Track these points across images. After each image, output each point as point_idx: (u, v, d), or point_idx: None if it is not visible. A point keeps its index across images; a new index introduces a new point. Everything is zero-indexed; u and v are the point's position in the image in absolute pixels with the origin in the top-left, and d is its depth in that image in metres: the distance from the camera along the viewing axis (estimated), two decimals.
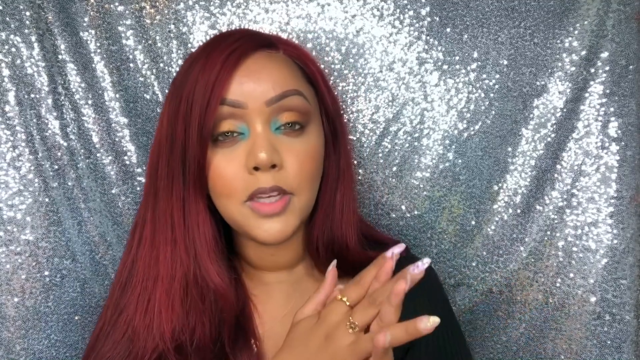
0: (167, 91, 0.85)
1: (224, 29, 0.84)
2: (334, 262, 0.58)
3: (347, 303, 0.52)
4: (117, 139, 0.85)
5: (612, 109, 0.82)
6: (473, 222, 0.86)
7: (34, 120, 0.84)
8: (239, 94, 0.60)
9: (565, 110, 0.83)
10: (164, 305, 0.64)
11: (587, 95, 0.82)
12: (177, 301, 0.64)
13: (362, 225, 0.74)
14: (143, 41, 0.84)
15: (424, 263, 0.49)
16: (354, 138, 0.85)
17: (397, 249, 0.53)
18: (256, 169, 0.60)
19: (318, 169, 0.65)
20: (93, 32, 0.83)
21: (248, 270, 0.71)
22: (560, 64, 0.82)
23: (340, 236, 0.68)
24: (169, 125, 0.64)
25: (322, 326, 0.53)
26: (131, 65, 0.84)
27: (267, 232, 0.61)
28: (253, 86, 0.61)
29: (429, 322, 0.47)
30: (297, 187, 0.62)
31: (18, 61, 0.83)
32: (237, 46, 0.62)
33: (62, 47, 0.83)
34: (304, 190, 0.63)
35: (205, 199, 0.65)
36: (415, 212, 0.86)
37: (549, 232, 0.84)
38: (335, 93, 0.77)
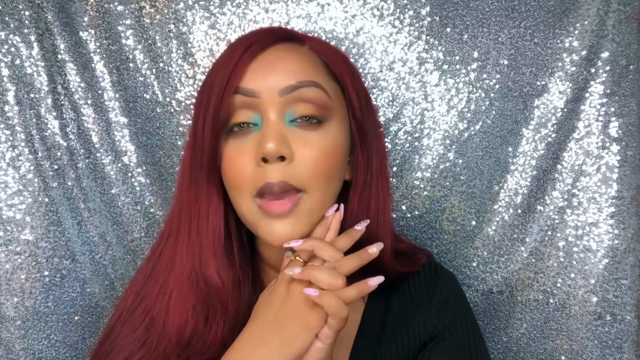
0: (166, 91, 0.85)
1: (224, 29, 0.84)
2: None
3: (301, 260, 0.59)
4: (116, 139, 0.85)
5: (612, 109, 0.82)
6: (473, 222, 0.85)
7: (34, 120, 0.83)
8: (252, 82, 0.59)
9: (565, 110, 0.83)
10: (175, 299, 0.64)
11: (587, 95, 0.82)
12: (187, 295, 0.64)
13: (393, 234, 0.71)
14: (143, 41, 0.84)
15: (362, 223, 0.62)
16: None
17: (333, 209, 0.62)
18: (265, 160, 0.58)
19: (336, 169, 0.61)
20: (92, 31, 0.83)
21: (267, 271, 0.71)
22: (560, 64, 0.82)
23: (371, 242, 0.63)
24: (193, 119, 0.64)
25: (281, 283, 0.58)
26: (131, 65, 0.84)
27: (273, 234, 0.59)
28: (267, 75, 0.59)
29: (374, 248, 0.59)
30: (309, 184, 0.59)
31: (17, 61, 0.83)
32: (257, 39, 0.62)
33: (62, 46, 0.83)
34: (316, 188, 0.60)
35: (220, 190, 0.64)
36: (416, 212, 0.86)
37: (549, 232, 0.84)
38: None
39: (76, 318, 0.86)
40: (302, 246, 0.58)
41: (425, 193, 0.86)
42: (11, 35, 0.82)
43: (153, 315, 0.65)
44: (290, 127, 0.60)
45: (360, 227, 0.62)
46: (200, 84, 0.84)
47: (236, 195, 0.62)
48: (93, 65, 0.84)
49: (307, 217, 0.60)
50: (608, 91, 0.81)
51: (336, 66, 0.64)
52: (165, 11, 0.84)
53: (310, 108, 0.60)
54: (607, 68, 0.81)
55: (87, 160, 0.85)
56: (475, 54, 0.83)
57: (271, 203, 0.59)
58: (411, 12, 0.83)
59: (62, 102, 0.84)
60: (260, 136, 0.59)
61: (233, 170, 0.61)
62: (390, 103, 0.85)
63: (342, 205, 0.63)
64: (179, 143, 0.86)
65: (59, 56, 0.83)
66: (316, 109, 0.60)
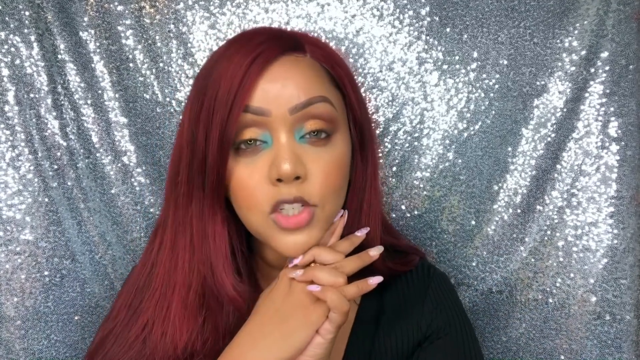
0: (166, 91, 0.85)
1: (224, 29, 0.84)
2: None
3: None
4: (116, 139, 0.85)
5: (612, 109, 0.82)
6: (473, 222, 0.85)
7: (34, 120, 0.83)
8: (263, 101, 0.57)
9: (565, 110, 0.83)
10: (179, 316, 0.63)
11: (587, 95, 0.82)
12: (193, 312, 0.63)
13: (386, 231, 0.72)
14: (143, 41, 0.84)
15: (362, 230, 0.64)
16: None
17: (339, 215, 0.64)
18: (279, 180, 0.57)
19: (344, 180, 0.62)
20: (92, 31, 0.83)
21: (264, 269, 0.70)
22: (560, 64, 0.82)
23: (365, 244, 0.65)
24: (190, 130, 0.62)
25: (283, 280, 0.60)
26: (131, 65, 0.84)
27: (289, 247, 0.59)
28: (277, 93, 0.58)
29: (375, 251, 0.61)
30: (322, 199, 0.59)
31: (17, 61, 0.83)
32: (262, 50, 0.59)
33: (62, 46, 0.83)
34: (329, 201, 0.60)
35: (224, 209, 0.63)
36: (415, 212, 0.86)
37: (549, 232, 0.84)
38: None
39: (76, 318, 0.86)
40: (303, 260, 0.59)
41: (425, 193, 0.86)
42: (11, 35, 0.82)
43: (152, 330, 0.64)
44: (300, 144, 0.59)
45: (361, 233, 0.64)
46: None
47: (247, 212, 0.61)
48: (93, 65, 0.84)
49: (321, 227, 0.61)
50: (607, 91, 0.81)
51: (338, 73, 0.64)
52: (165, 11, 0.84)
53: (320, 123, 0.59)
54: (607, 68, 0.81)
55: (87, 160, 0.85)
56: (475, 54, 0.83)
57: (287, 218, 0.58)
58: (411, 12, 0.83)
59: (62, 102, 0.84)
60: (272, 155, 0.58)
61: (246, 191, 0.59)
62: (390, 103, 0.85)
63: (346, 212, 0.65)
64: None
65: (59, 56, 0.84)
66: (325, 124, 0.60)
